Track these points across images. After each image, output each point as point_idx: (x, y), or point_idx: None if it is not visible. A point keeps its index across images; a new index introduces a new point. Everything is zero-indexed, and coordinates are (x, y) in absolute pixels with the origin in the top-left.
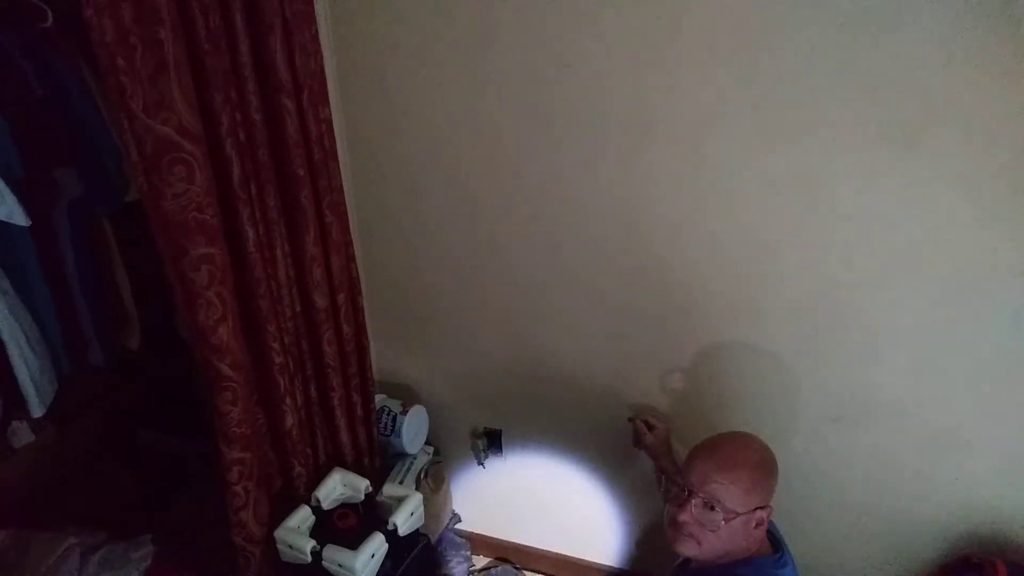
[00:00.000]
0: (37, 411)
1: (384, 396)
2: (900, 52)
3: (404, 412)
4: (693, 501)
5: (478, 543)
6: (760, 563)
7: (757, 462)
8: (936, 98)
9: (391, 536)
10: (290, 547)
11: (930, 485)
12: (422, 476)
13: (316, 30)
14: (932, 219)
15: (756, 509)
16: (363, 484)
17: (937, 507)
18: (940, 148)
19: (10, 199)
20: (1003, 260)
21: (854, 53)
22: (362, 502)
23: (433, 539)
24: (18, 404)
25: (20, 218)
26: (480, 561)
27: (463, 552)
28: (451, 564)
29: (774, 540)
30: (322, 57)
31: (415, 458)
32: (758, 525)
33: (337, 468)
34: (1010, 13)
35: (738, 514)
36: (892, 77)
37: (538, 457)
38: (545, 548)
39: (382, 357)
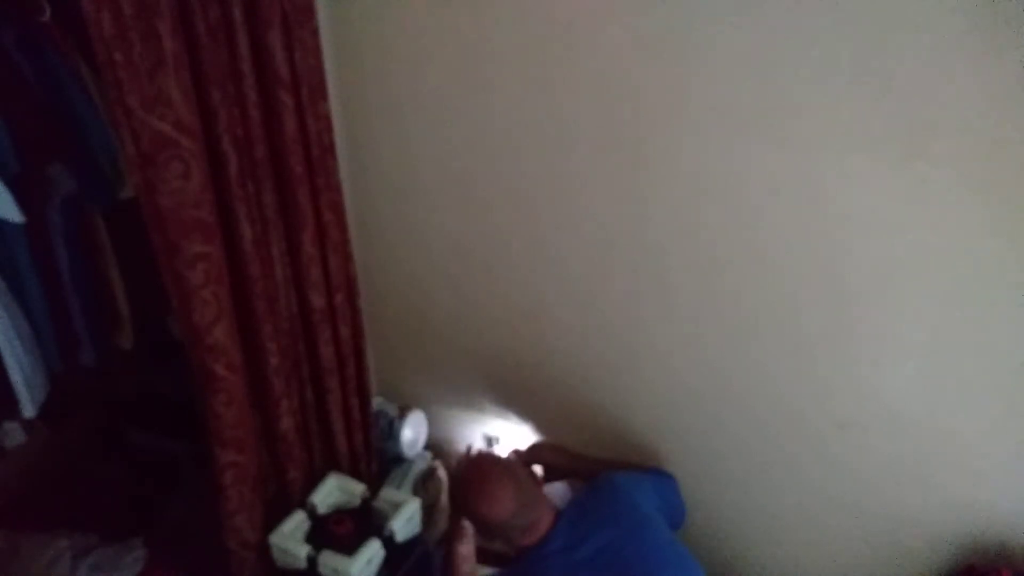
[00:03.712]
0: (29, 411)
1: (382, 399)
2: (906, 53)
3: (402, 416)
4: None
5: (476, 551)
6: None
7: None
8: (944, 101)
9: (388, 542)
10: (285, 552)
11: (935, 492)
12: (420, 481)
13: (316, 26)
14: (939, 224)
15: None
16: (359, 489)
17: (942, 515)
18: (948, 152)
19: (5, 195)
20: (1010, 266)
21: (860, 54)
22: (358, 507)
23: (430, 546)
24: (10, 404)
25: (14, 215)
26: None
27: None
28: None
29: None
30: (321, 53)
31: (413, 463)
32: None
33: (333, 472)
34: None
35: None
36: (899, 79)
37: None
38: None
39: (380, 360)
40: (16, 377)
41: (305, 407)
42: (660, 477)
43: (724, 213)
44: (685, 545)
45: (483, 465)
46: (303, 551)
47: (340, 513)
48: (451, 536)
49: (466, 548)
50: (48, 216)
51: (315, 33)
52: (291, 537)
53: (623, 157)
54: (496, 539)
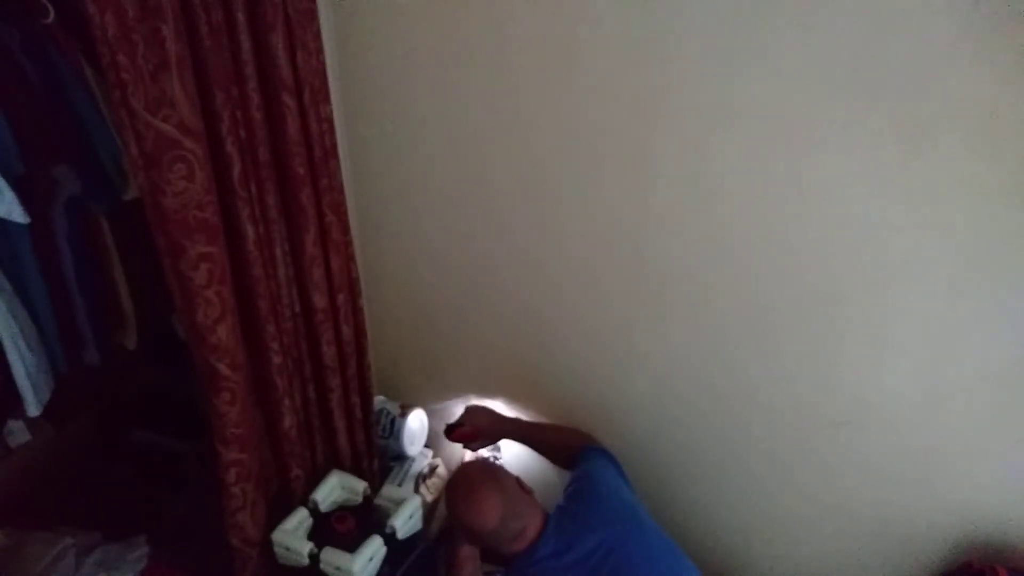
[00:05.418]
0: (33, 410)
1: (383, 398)
2: (907, 52)
3: (403, 415)
4: None
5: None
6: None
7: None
8: (943, 101)
9: (389, 539)
10: (287, 549)
11: (933, 491)
12: (421, 479)
13: (318, 28)
14: (939, 224)
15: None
16: (361, 487)
17: (939, 512)
18: (947, 153)
19: (9, 196)
20: (1010, 266)
21: (860, 54)
22: (360, 505)
23: (431, 543)
24: (14, 403)
25: (19, 215)
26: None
27: None
28: None
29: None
30: (324, 55)
31: (414, 461)
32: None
33: (335, 470)
34: (1020, 11)
35: None
36: (898, 80)
37: (538, 463)
38: None
39: (382, 359)
40: (20, 376)
41: (307, 406)
42: (607, 456)
43: (719, 212)
44: (680, 544)
45: (470, 474)
46: (305, 548)
47: (342, 511)
48: (454, 537)
49: (469, 548)
50: (52, 217)
51: (317, 35)
52: (293, 534)
53: (626, 161)
54: (486, 546)
